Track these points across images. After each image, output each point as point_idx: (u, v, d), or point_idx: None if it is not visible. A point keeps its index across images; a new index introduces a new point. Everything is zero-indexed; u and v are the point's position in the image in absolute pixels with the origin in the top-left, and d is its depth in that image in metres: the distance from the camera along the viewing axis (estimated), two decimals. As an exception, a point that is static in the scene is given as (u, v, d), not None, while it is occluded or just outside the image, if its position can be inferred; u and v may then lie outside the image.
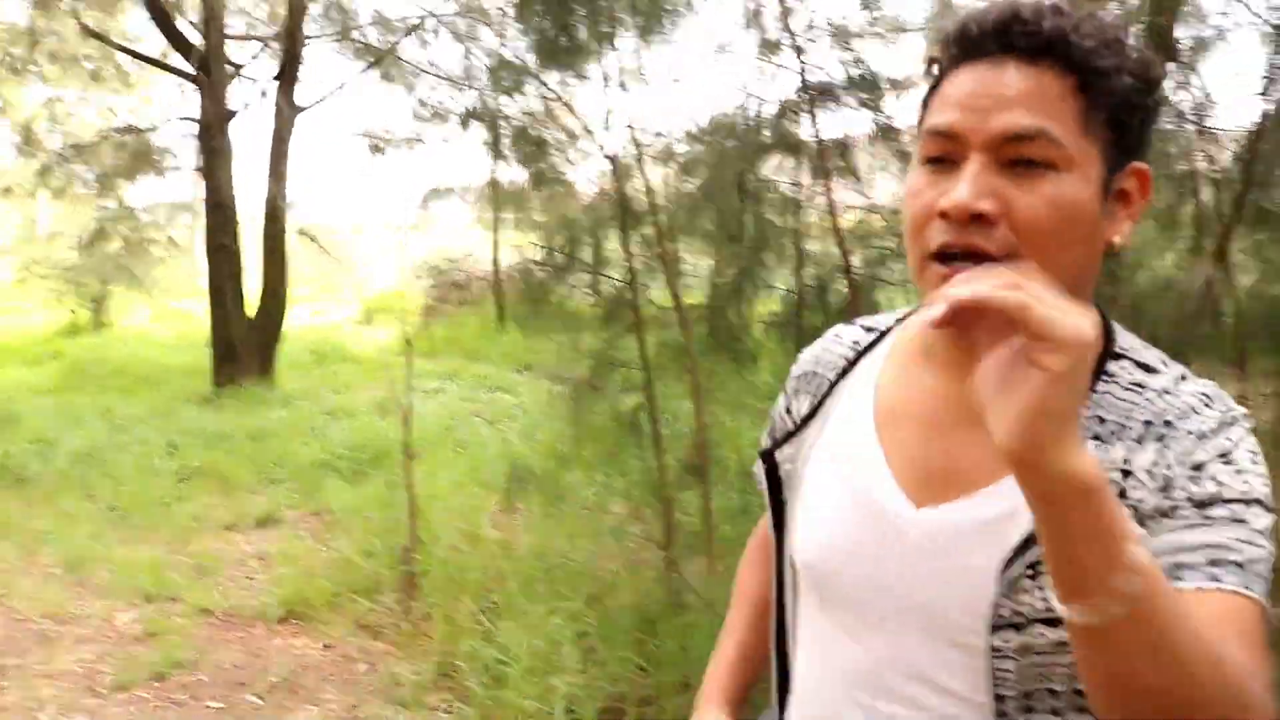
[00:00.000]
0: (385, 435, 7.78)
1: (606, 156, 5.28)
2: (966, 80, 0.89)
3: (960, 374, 0.84)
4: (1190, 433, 0.87)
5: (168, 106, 13.81)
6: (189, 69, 10.42)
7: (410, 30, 10.86)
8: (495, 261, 14.04)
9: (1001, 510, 0.90)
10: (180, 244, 14.91)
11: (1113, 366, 0.93)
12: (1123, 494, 0.86)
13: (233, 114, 10.40)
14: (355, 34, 11.08)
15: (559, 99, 8.56)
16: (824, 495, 1.03)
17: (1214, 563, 0.81)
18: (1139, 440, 0.88)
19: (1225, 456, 0.86)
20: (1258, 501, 0.85)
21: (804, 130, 5.11)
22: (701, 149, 6.35)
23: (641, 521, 4.91)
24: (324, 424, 8.63)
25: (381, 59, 11.11)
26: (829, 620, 1.03)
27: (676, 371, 4.44)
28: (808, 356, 1.16)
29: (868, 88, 5.36)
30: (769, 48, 9.14)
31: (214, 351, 10.33)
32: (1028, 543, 0.86)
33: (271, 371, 10.47)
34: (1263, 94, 3.87)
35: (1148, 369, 0.93)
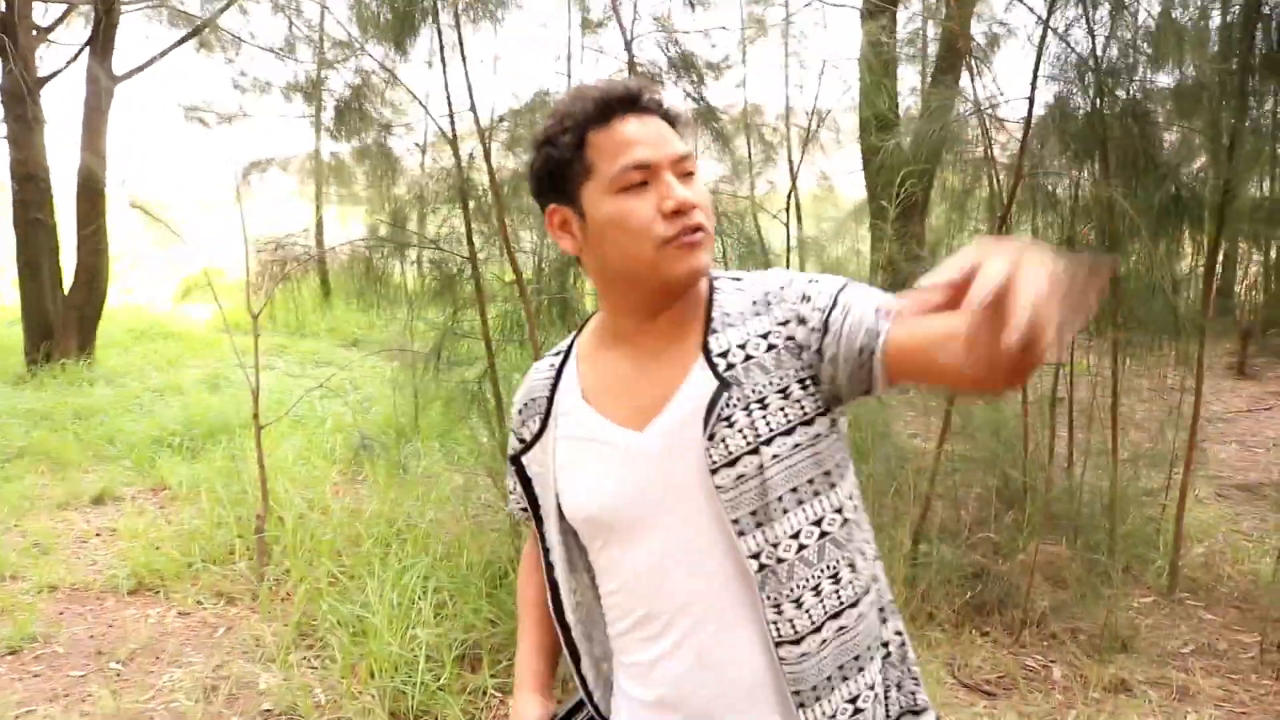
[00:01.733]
0: (217, 410, 7.77)
1: (441, 132, 5.45)
2: (632, 130, 1.27)
3: (631, 343, 1.35)
4: (781, 287, 1.30)
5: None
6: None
7: (230, 1, 10.66)
8: (319, 235, 13.88)
9: (688, 401, 1.28)
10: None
11: (716, 284, 1.36)
12: (772, 348, 1.27)
13: (43, 81, 10.00)
14: (172, 1, 10.80)
15: (388, 72, 8.71)
16: (579, 467, 1.37)
17: (871, 322, 1.20)
18: (757, 314, 1.30)
19: (808, 283, 1.29)
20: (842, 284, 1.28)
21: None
22: (526, 126, 6.59)
23: (484, 488, 5.17)
24: (151, 401, 8.53)
25: (200, 29, 10.86)
26: (616, 548, 1.35)
27: (518, 343, 4.70)
28: (520, 395, 1.50)
29: (689, 69, 5.72)
30: (590, 26, 9.48)
31: (27, 329, 9.97)
32: (709, 416, 1.25)
33: (92, 349, 10.18)
34: (1031, 85, 4.40)
35: (737, 279, 1.36)
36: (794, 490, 1.25)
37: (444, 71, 5.01)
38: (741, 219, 6.02)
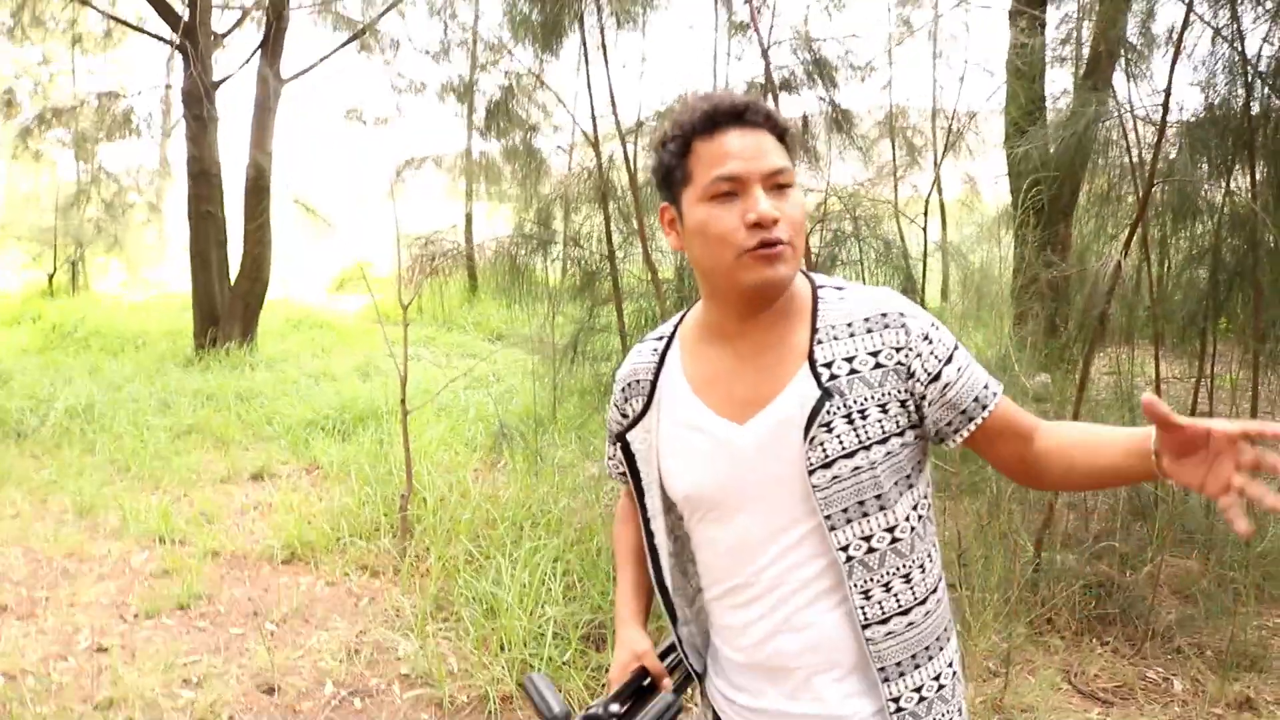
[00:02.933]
0: (368, 397, 8.17)
1: (584, 134, 5.65)
2: (730, 142, 1.37)
3: (736, 340, 1.46)
4: (901, 314, 1.40)
5: (147, 73, 13.99)
6: (173, 37, 10.66)
7: (391, 4, 11.14)
8: (469, 232, 14.37)
9: (790, 403, 1.39)
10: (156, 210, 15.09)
11: (821, 293, 1.45)
12: (880, 368, 1.39)
13: (219, 83, 10.65)
14: (337, 6, 11.35)
15: (536, 75, 8.98)
16: (681, 450, 1.48)
17: (979, 394, 1.43)
18: (869, 331, 1.40)
19: (930, 326, 1.41)
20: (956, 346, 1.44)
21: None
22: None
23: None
24: (308, 386, 9.01)
25: (361, 32, 11.39)
26: (712, 524, 1.48)
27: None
28: (624, 374, 1.59)
29: (825, 73, 5.79)
30: (737, 28, 9.58)
31: (196, 315, 10.63)
32: (813, 413, 1.37)
33: (253, 336, 10.79)
34: (1166, 91, 4.33)
35: (840, 289, 1.46)
36: (880, 496, 1.39)
37: (588, 74, 5.22)
38: (879, 222, 6.06)
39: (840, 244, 5.47)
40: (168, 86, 13.62)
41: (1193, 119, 5.00)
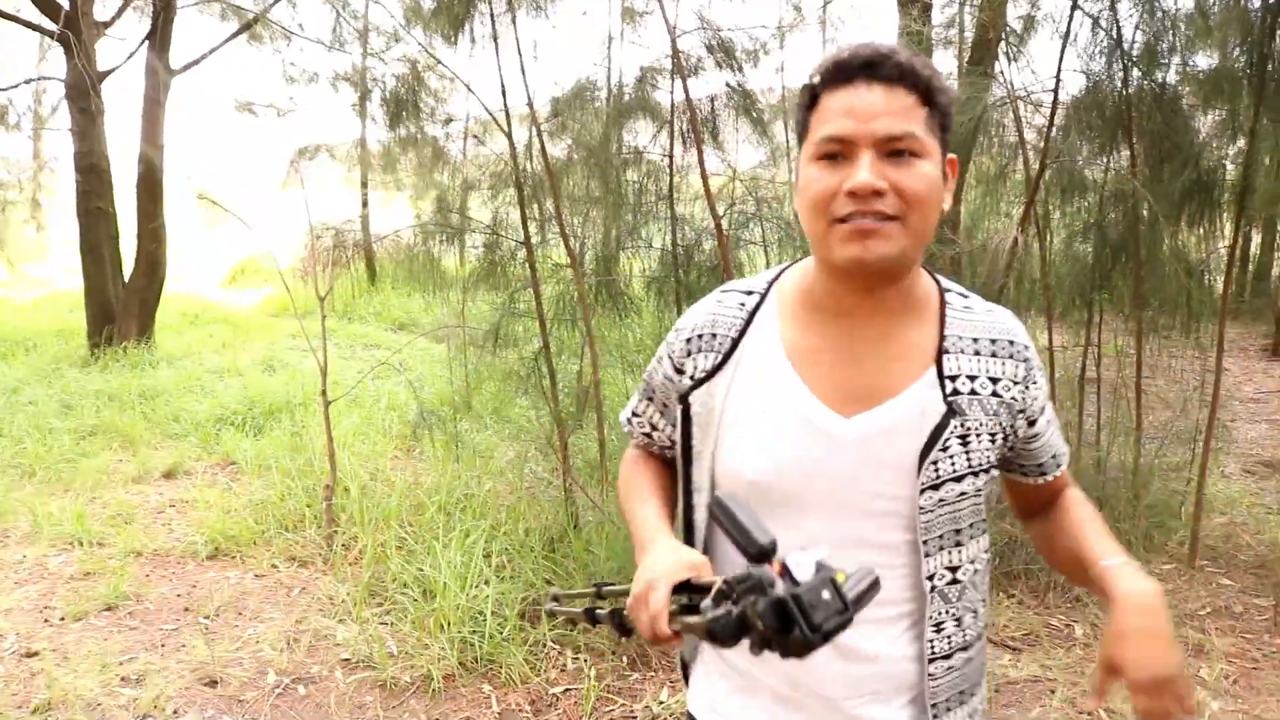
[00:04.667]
0: (275, 390, 8.11)
1: (493, 119, 5.70)
2: (847, 99, 1.21)
3: (850, 319, 1.30)
4: (1026, 347, 1.34)
5: (15, 65, 13.52)
6: (53, 27, 10.35)
7: (281, -7, 10.99)
8: (365, 221, 14.24)
9: (909, 410, 1.27)
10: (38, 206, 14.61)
11: (948, 298, 1.35)
12: (997, 396, 1.31)
13: (105, 74, 10.37)
14: (225, -5, 11.14)
15: (434, 61, 8.96)
16: (756, 425, 1.31)
17: (1055, 455, 1.43)
18: (994, 355, 1.32)
19: (1039, 370, 1.36)
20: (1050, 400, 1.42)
21: (669, 97, 5.66)
22: (572, 113, 6.82)
23: (535, 460, 5.45)
24: (211, 381, 8.89)
25: (251, 23, 11.19)
26: (772, 519, 1.22)
27: (570, 322, 4.96)
28: (697, 322, 1.39)
29: (729, 56, 5.95)
30: (632, 16, 9.68)
31: (90, 313, 10.37)
32: (937, 430, 1.26)
33: (151, 333, 10.57)
34: (1057, 71, 4.58)
35: (965, 296, 1.37)
36: (972, 525, 1.33)
37: (497, 58, 5.26)
38: (780, 203, 6.23)
39: (745, 225, 5.65)
40: (40, 79, 13.16)
41: (1075, 101, 5.29)
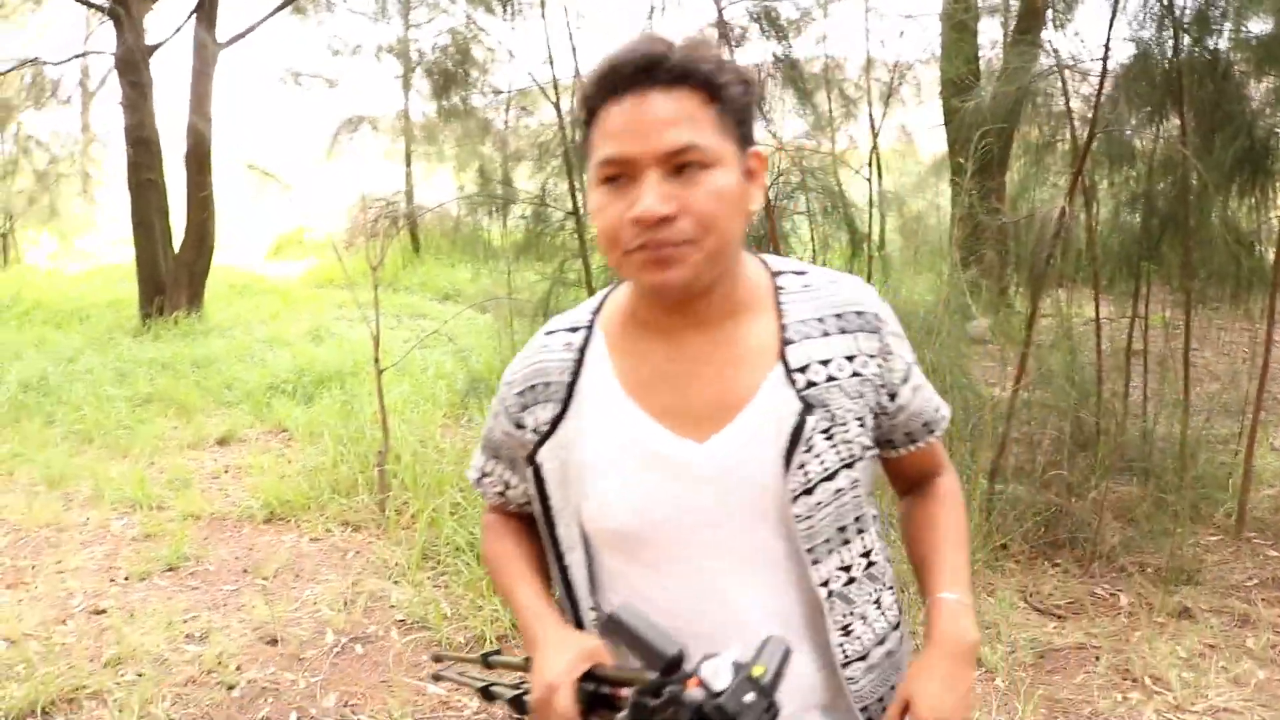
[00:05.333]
0: (324, 360, 8.24)
1: (540, 89, 5.73)
2: (623, 113, 1.09)
3: (680, 335, 1.20)
4: (877, 315, 1.25)
5: (62, 39, 13.74)
6: (103, 2, 10.50)
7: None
8: (409, 193, 14.35)
9: (763, 416, 1.18)
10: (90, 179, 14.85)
11: (781, 281, 1.25)
12: (857, 375, 1.22)
13: (154, 48, 10.50)
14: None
15: (478, 30, 8.97)
16: (616, 472, 1.19)
17: (928, 423, 1.34)
18: (843, 331, 1.22)
19: (896, 335, 1.27)
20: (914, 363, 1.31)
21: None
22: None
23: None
24: (262, 351, 9.03)
25: (298, -5, 11.29)
26: (645, 566, 1.21)
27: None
28: (527, 371, 1.27)
29: (774, 25, 5.95)
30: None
31: (142, 284, 10.55)
32: (796, 431, 1.17)
33: (200, 304, 10.74)
34: (1106, 38, 4.55)
35: (801, 274, 1.26)
36: (858, 519, 1.24)
37: (545, 26, 5.30)
38: (824, 173, 6.24)
39: (790, 195, 5.67)
40: (85, 54, 13.32)
41: (1124, 69, 5.25)
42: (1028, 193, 6.70)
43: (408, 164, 14.77)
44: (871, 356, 1.23)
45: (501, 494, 1.38)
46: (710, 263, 1.11)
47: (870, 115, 10.09)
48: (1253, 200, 6.04)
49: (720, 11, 5.12)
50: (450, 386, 7.04)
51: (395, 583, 4.16)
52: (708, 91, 1.10)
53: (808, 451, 1.16)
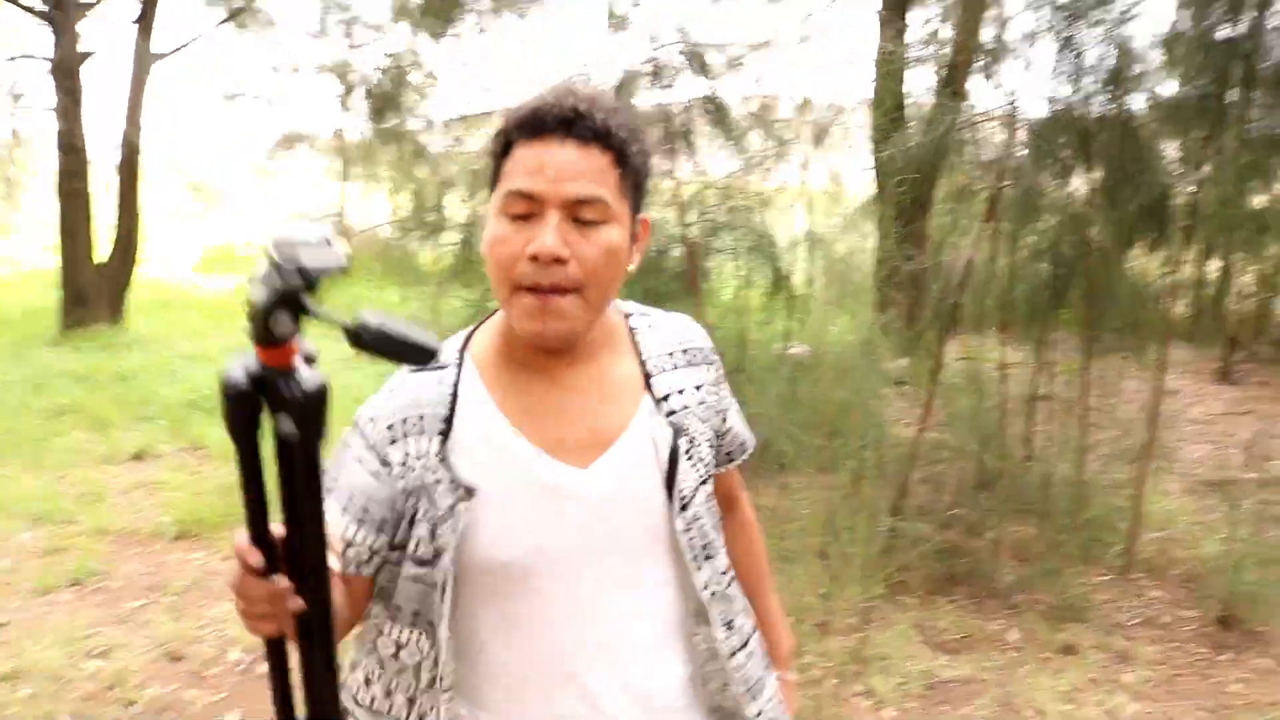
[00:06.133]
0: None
1: (475, 116, 5.80)
2: (540, 154, 1.16)
3: (554, 371, 1.27)
4: (711, 351, 1.41)
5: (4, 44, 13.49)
6: (40, 6, 10.38)
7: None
8: (342, 214, 14.31)
9: (641, 442, 1.28)
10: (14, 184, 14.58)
11: (633, 322, 1.37)
12: (703, 403, 1.36)
13: (87, 55, 10.41)
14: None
15: (417, 57, 9.05)
16: (502, 504, 1.22)
17: (743, 443, 1.51)
18: (690, 364, 1.37)
19: (719, 366, 1.42)
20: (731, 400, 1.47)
21: (646, 101, 5.81)
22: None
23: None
24: (182, 366, 8.95)
25: (238, 11, 11.26)
26: (530, 596, 1.25)
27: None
28: (396, 405, 1.24)
29: (704, 67, 6.11)
30: (617, 22, 9.83)
31: (63, 294, 10.40)
32: (673, 453, 1.28)
33: (122, 316, 10.61)
34: (1022, 93, 4.75)
35: (645, 315, 1.39)
36: (715, 529, 1.36)
37: (481, 56, 5.39)
38: (751, 212, 6.38)
39: (715, 232, 5.80)
40: (22, 58, 13.13)
41: (1038, 124, 5.48)
42: (949, 238, 6.94)
43: (343, 183, 14.75)
44: (710, 386, 1.38)
45: (367, 561, 1.26)
46: (588, 314, 1.20)
47: (801, 157, 10.30)
48: (1156, 254, 6.32)
49: (654, 52, 5.26)
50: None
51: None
52: (617, 155, 1.19)
53: (681, 472, 1.28)
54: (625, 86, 8.09)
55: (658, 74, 6.15)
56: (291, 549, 0.98)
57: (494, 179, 1.23)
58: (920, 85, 10.06)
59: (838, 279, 8.23)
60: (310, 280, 0.86)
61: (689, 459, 1.30)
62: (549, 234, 1.14)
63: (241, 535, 0.98)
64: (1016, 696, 3.61)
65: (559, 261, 1.14)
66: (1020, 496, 5.07)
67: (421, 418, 1.24)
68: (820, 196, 12.25)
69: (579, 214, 1.16)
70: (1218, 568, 4.60)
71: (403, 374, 1.28)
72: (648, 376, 1.32)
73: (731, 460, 1.50)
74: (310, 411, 0.91)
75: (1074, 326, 5.65)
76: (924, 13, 9.91)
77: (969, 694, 3.66)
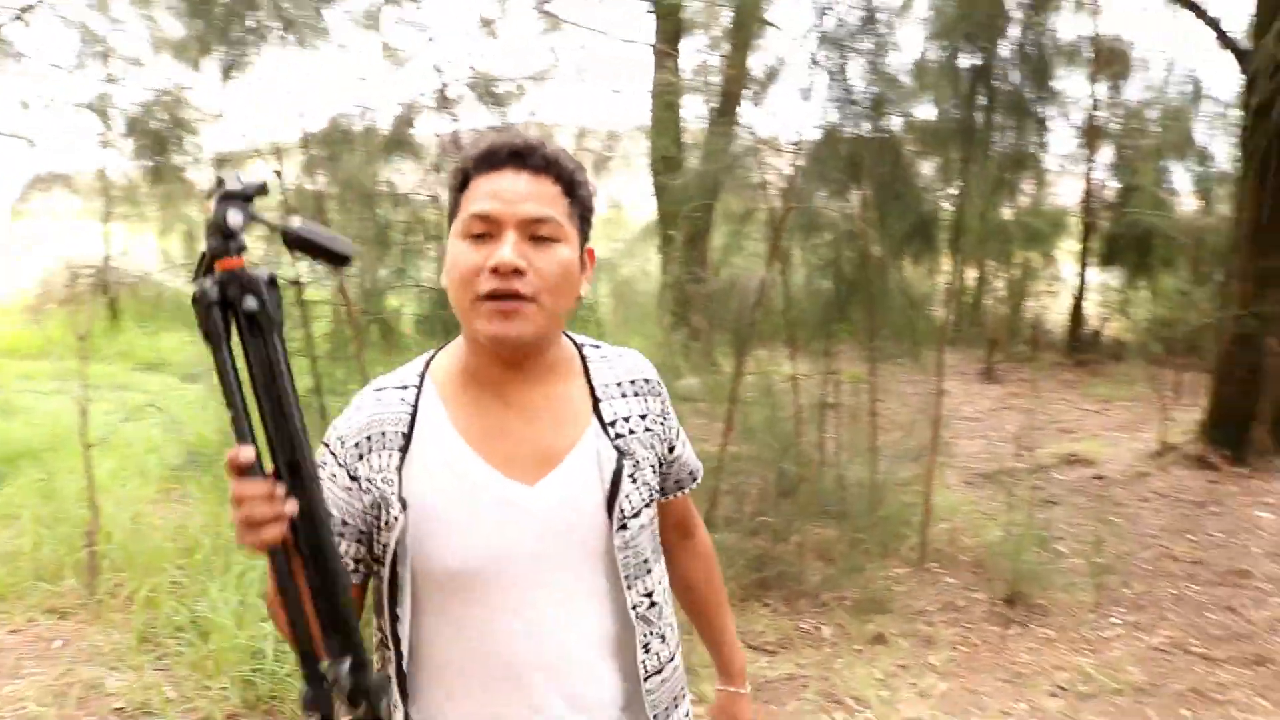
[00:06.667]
0: (15, 436, 7.67)
1: (260, 154, 5.68)
2: (496, 182, 1.30)
3: (510, 392, 1.37)
4: (658, 383, 1.51)
5: None
6: None
7: (20, 12, 10.39)
8: (106, 257, 13.56)
9: (587, 462, 1.37)
10: None
11: (585, 352, 1.47)
12: (649, 431, 1.46)
13: None
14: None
15: (182, 90, 8.76)
16: (455, 516, 1.32)
17: (692, 472, 1.60)
18: (637, 394, 1.47)
19: (668, 399, 1.53)
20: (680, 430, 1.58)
21: (431, 132, 5.86)
22: (333, 149, 6.85)
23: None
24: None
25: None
26: (477, 606, 1.33)
27: (343, 360, 5.02)
28: (360, 424, 1.35)
29: (492, 97, 6.19)
30: (393, 55, 9.78)
31: None
32: (616, 474, 1.37)
33: None
34: (798, 123, 5.05)
35: (598, 348, 1.50)
36: (654, 551, 1.45)
37: (255, 89, 5.28)
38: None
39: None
40: None
41: (813, 149, 5.81)
42: (729, 259, 7.23)
43: (106, 225, 13.97)
44: (658, 416, 1.48)
45: (354, 571, 1.37)
46: (546, 321, 1.32)
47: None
48: (923, 266, 6.80)
49: (443, 83, 5.29)
50: (161, 461, 6.73)
51: (112, 669, 3.97)
52: (566, 185, 1.34)
53: (623, 492, 1.37)
54: (406, 117, 8.08)
55: (443, 104, 6.16)
56: (274, 450, 1.09)
57: (453, 211, 1.36)
58: (696, 113, 10.48)
59: (624, 301, 8.45)
60: (248, 192, 1.05)
61: (632, 481, 1.39)
62: (507, 248, 1.27)
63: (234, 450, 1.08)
64: (837, 687, 3.82)
65: (518, 273, 1.27)
66: (820, 500, 5.36)
67: (384, 434, 1.34)
68: (602, 222, 12.51)
69: (534, 232, 1.29)
70: (1000, 551, 5.00)
71: (367, 392, 1.40)
72: (596, 402, 1.42)
73: (681, 488, 1.59)
74: (269, 287, 1.07)
75: (856, 337, 6.01)
76: (696, 43, 10.34)
77: (793, 690, 3.85)
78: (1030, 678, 4.00)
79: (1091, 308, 13.18)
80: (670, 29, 9.32)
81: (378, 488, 1.32)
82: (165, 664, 3.97)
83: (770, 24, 7.04)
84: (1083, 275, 12.90)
